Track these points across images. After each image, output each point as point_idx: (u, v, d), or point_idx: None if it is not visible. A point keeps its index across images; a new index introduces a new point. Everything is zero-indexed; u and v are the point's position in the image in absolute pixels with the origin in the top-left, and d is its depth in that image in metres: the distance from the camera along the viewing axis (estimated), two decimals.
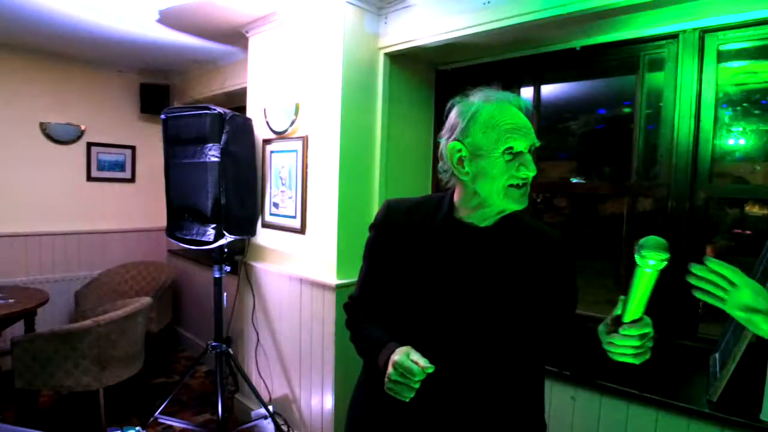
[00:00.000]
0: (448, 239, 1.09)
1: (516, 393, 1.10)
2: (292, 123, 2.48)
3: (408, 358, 0.95)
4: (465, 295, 1.06)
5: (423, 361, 0.94)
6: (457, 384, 1.05)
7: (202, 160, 2.43)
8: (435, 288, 1.08)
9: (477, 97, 1.07)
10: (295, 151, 2.50)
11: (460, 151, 1.05)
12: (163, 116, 2.60)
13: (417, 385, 0.94)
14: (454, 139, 1.06)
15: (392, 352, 1.00)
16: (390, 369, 0.97)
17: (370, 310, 1.19)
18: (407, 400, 0.95)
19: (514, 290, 1.07)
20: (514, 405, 1.10)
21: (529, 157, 1.02)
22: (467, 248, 1.08)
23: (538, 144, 1.03)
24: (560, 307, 1.13)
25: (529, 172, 1.00)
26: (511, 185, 1.01)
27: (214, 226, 2.41)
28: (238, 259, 2.91)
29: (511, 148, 1.00)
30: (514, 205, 1.03)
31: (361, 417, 1.20)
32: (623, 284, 2.06)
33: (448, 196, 1.14)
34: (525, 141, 1.01)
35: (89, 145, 3.96)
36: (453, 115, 1.10)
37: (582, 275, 2.82)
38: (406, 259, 1.11)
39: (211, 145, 2.40)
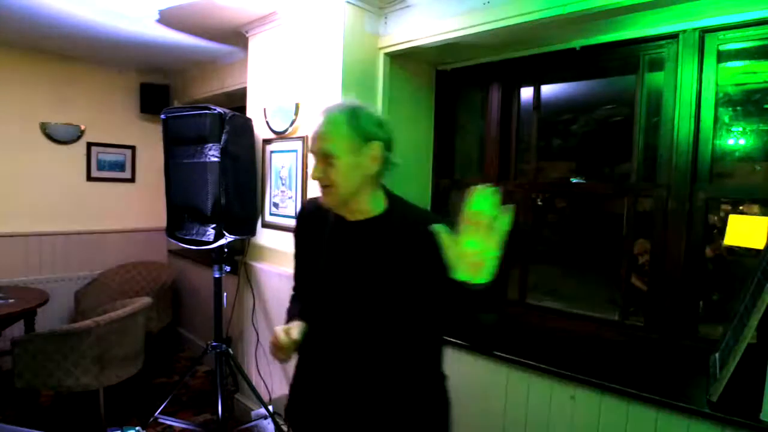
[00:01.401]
0: (333, 232, 1.23)
1: (400, 365, 1.18)
2: (292, 123, 2.48)
3: (282, 329, 1.15)
4: (344, 283, 1.20)
5: (295, 334, 1.15)
6: (347, 359, 1.19)
7: (202, 160, 2.43)
8: (323, 275, 1.23)
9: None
10: (295, 151, 2.50)
11: None
12: (163, 116, 2.60)
13: (288, 353, 1.15)
14: None
15: None
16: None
17: (296, 290, 1.41)
18: (283, 363, 1.17)
19: (384, 278, 1.15)
20: (400, 375, 1.18)
21: (315, 161, 1.14)
22: (344, 240, 1.22)
23: (323, 150, 1.11)
24: (437, 285, 1.13)
25: (311, 175, 1.16)
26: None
27: (214, 226, 2.41)
28: (238, 259, 2.91)
29: (311, 153, 1.17)
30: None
31: (291, 386, 1.36)
32: (623, 284, 2.06)
33: None
34: (313, 147, 1.14)
35: (89, 145, 3.96)
36: None
37: (582, 275, 2.83)
38: (310, 248, 1.29)
39: (211, 145, 2.40)
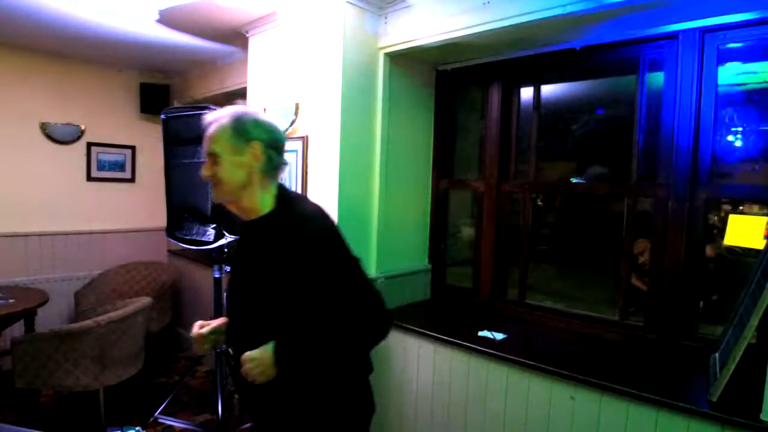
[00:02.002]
0: (241, 233, 1.37)
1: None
2: (292, 123, 2.48)
3: (198, 324, 1.36)
4: (235, 281, 1.34)
5: (204, 330, 1.34)
6: (238, 352, 1.27)
7: (202, 160, 2.43)
8: (231, 274, 1.39)
9: None
10: (295, 151, 2.50)
11: None
12: (163, 116, 2.59)
13: (199, 345, 1.35)
14: None
15: None
16: None
17: None
18: (202, 353, 1.46)
19: (257, 277, 1.26)
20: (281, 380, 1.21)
21: (206, 161, 1.26)
22: (241, 240, 1.37)
23: (210, 150, 1.24)
24: (299, 300, 1.19)
25: (201, 173, 1.27)
26: None
27: (214, 226, 2.40)
28: None
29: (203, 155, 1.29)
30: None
31: None
32: (623, 284, 2.06)
33: None
34: (204, 148, 1.26)
35: (89, 145, 3.96)
36: None
37: (582, 275, 2.83)
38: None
39: None
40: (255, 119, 1.26)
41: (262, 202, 1.27)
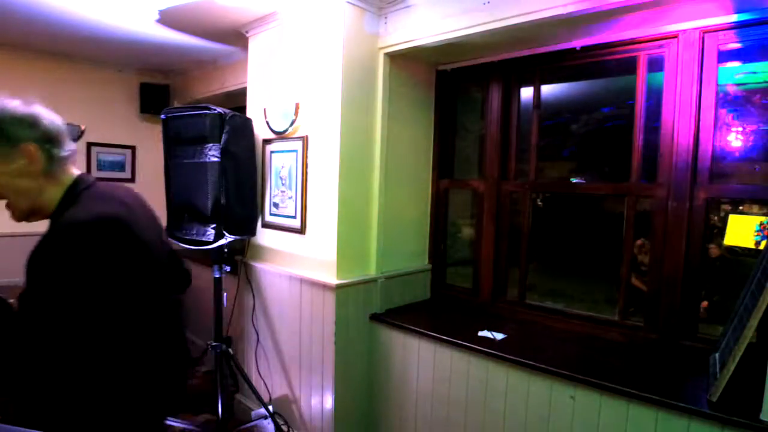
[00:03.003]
0: None
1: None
2: (292, 123, 2.48)
3: None
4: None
5: None
6: None
7: (202, 160, 2.43)
8: None
9: None
10: (295, 151, 2.50)
11: None
12: (163, 116, 2.59)
13: None
14: None
15: None
16: None
17: None
18: None
19: (29, 286, 1.10)
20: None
21: None
22: None
23: None
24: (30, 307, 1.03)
25: None
26: None
27: (214, 226, 2.40)
28: (238, 259, 2.91)
29: None
30: None
31: None
32: (623, 284, 2.06)
33: None
34: None
35: (89, 145, 3.96)
36: None
37: (581, 275, 2.84)
38: None
39: (211, 145, 2.40)
40: (13, 115, 1.08)
41: (54, 202, 1.12)
